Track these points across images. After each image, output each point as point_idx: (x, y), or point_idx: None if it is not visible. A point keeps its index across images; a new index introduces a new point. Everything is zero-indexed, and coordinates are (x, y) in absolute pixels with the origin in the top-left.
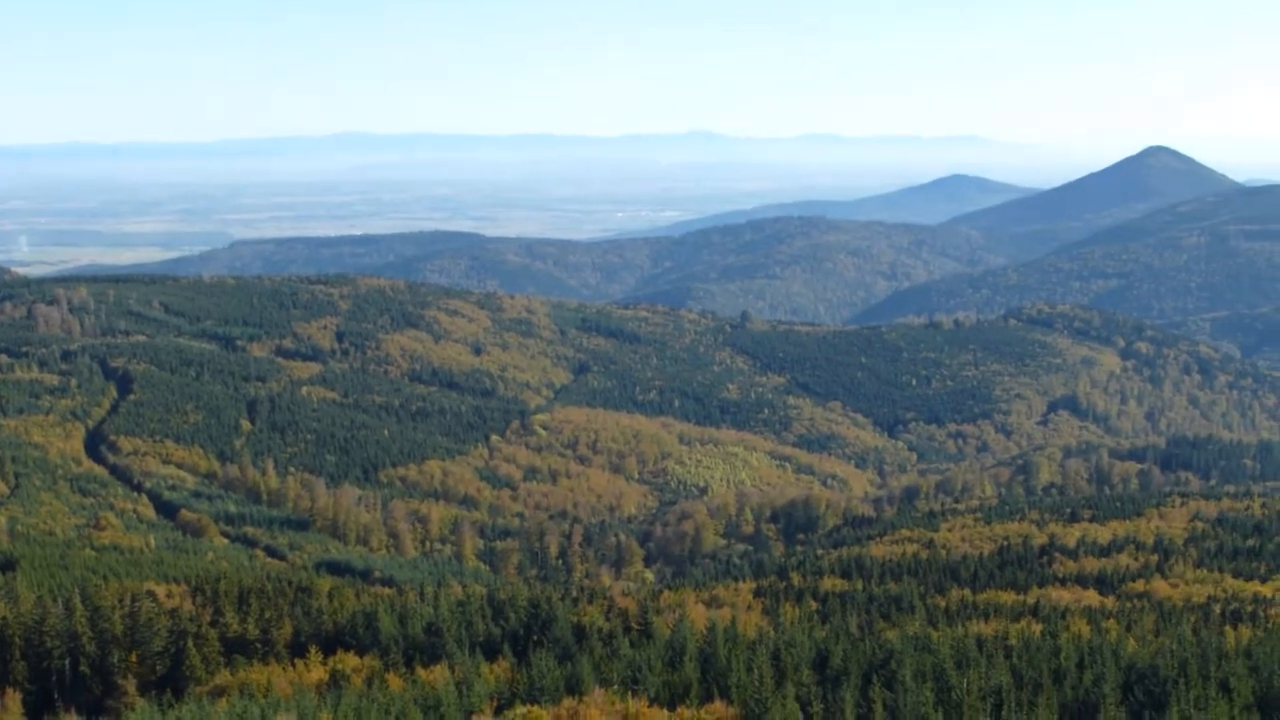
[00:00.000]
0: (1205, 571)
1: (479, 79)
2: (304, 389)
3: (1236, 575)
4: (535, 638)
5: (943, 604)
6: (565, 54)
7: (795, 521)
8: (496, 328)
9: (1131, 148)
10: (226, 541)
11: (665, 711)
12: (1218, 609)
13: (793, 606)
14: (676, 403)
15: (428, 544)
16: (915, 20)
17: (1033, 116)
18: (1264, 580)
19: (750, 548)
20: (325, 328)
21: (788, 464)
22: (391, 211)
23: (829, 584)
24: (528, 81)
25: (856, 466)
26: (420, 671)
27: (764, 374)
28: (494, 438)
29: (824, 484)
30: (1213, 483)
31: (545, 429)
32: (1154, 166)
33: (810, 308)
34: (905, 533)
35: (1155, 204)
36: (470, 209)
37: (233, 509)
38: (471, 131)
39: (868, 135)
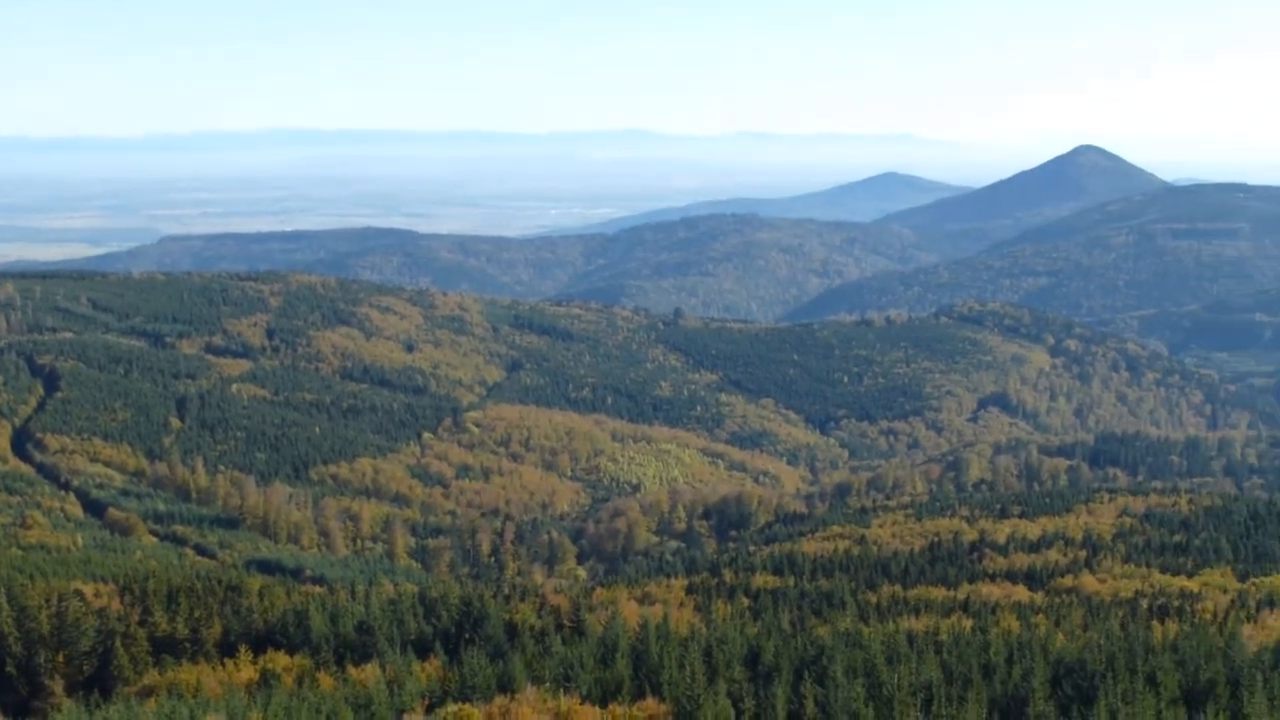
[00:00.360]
0: (1133, 567)
1: (413, 76)
2: (234, 386)
3: (1164, 570)
4: (467, 636)
5: (874, 600)
6: (499, 51)
7: (727, 518)
8: (429, 325)
9: (1061, 147)
10: (155, 540)
11: (597, 709)
12: (1145, 604)
13: (725, 603)
14: (610, 400)
15: (359, 542)
16: (849, 17)
17: (965, 115)
18: (1190, 575)
19: (683, 545)
20: (256, 325)
21: (720, 461)
22: (323, 208)
23: (761, 580)
24: (461, 79)
25: (789, 463)
26: (351, 670)
27: (697, 371)
28: (426, 435)
29: (756, 481)
30: (1140, 479)
31: (478, 426)
32: (1083, 165)
33: (743, 305)
34: (837, 529)
35: (1085, 203)
36: (403, 205)
37: (162, 507)
38: (405, 128)
39: (801, 133)
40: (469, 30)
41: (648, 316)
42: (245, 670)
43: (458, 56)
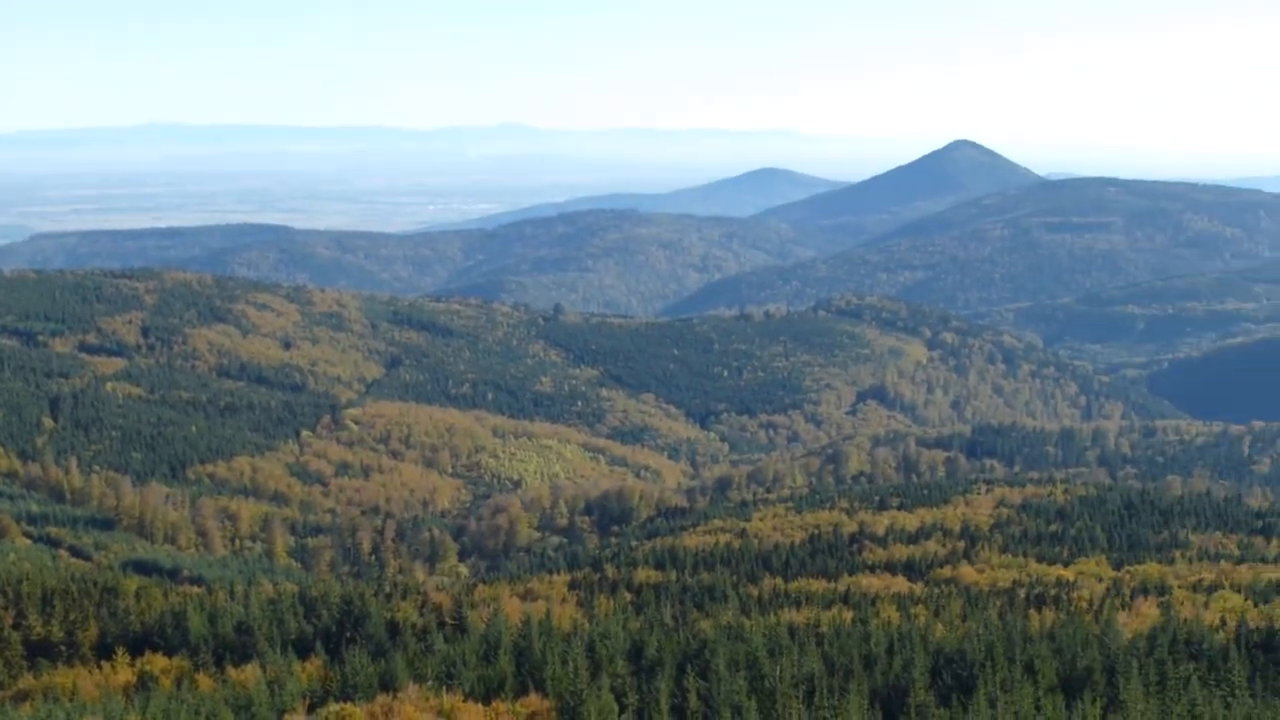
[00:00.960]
0: (1010, 557)
1: (291, 72)
2: (108, 385)
3: (1040, 560)
4: (348, 635)
5: (755, 593)
6: (377, 45)
7: (609, 513)
8: (306, 322)
9: (938, 142)
10: (29, 542)
11: (480, 706)
12: (1022, 593)
13: (607, 598)
14: (490, 396)
15: (237, 542)
16: (727, 16)
17: (844, 112)
18: (1066, 564)
19: (565, 540)
20: (130, 322)
21: (601, 456)
22: (198, 204)
23: (643, 575)
24: (338, 75)
25: (669, 458)
26: (231, 671)
27: (577, 366)
28: (305, 433)
29: (637, 475)
30: (1017, 469)
31: (357, 423)
32: (959, 160)
33: (623, 300)
34: (718, 523)
35: (960, 197)
36: (280, 202)
37: (35, 509)
38: (283, 124)
39: (681, 129)
40: (347, 24)
41: (528, 312)
42: (123, 673)
43: (335, 51)
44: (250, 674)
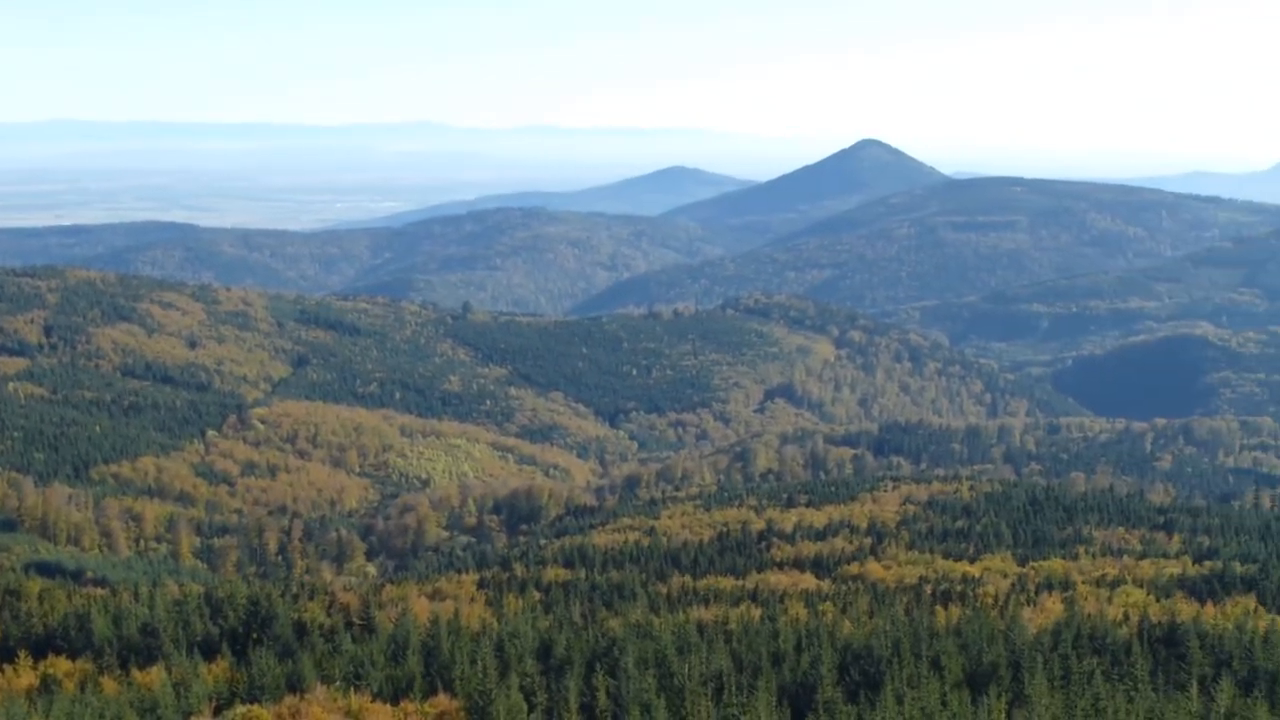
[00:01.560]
0: (917, 553)
1: (194, 68)
2: (10, 385)
3: (946, 556)
4: (255, 636)
5: (664, 591)
6: (282, 42)
7: (518, 512)
8: (212, 320)
9: (844, 141)
10: None
11: (389, 707)
12: (929, 589)
13: (516, 597)
14: (398, 395)
15: (142, 543)
16: (637, 14)
17: (751, 110)
18: (972, 560)
19: (473, 539)
20: (32, 321)
21: (510, 455)
22: (101, 201)
23: (552, 574)
24: (245, 70)
25: (579, 456)
26: (136, 674)
27: (486, 365)
28: (210, 433)
29: (546, 474)
30: (923, 467)
31: (263, 423)
32: (865, 159)
33: (532, 299)
34: (627, 521)
35: (867, 196)
36: (185, 199)
37: None
38: (188, 120)
39: (590, 127)
40: (251, 19)
41: (436, 311)
42: (25, 676)
43: (240, 47)
44: (155, 676)
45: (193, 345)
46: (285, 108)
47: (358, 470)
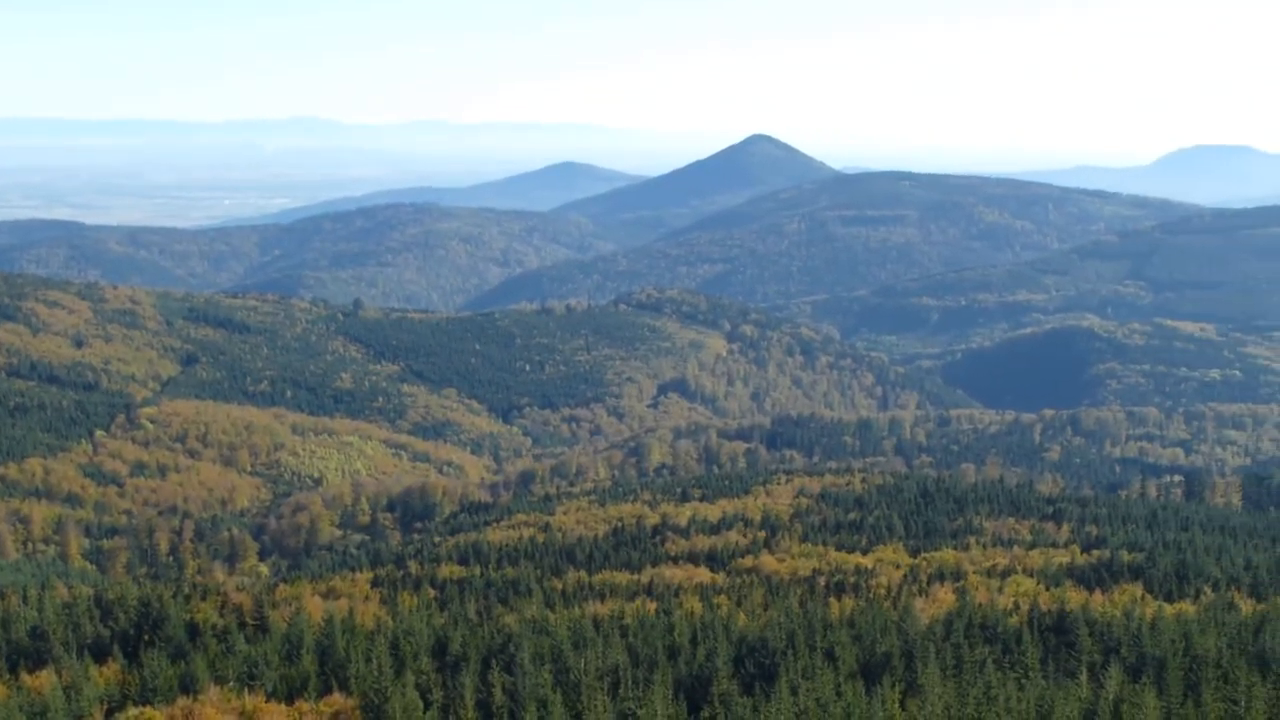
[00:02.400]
0: (810, 545)
1: (76, 63)
2: None
3: (839, 548)
4: (147, 637)
5: (559, 586)
6: (165, 37)
7: (412, 510)
8: (99, 319)
9: (734, 136)
10: None
11: (283, 706)
12: (822, 581)
13: (411, 595)
14: (289, 393)
15: (30, 545)
16: (528, 10)
17: (641, 105)
18: (865, 552)
19: (367, 538)
20: None
21: (403, 452)
22: None
23: (447, 571)
24: (127, 66)
25: (472, 453)
26: (25, 677)
27: (378, 362)
28: (98, 433)
29: (440, 471)
30: (816, 460)
31: (153, 423)
32: (756, 154)
33: (423, 295)
34: (521, 517)
35: (758, 190)
36: (68, 196)
37: None
38: (69, 116)
39: (480, 122)
40: (127, 14)
41: (327, 308)
42: None
43: (126, 42)
44: (45, 680)
45: (79, 344)
46: (164, 104)
47: (249, 469)
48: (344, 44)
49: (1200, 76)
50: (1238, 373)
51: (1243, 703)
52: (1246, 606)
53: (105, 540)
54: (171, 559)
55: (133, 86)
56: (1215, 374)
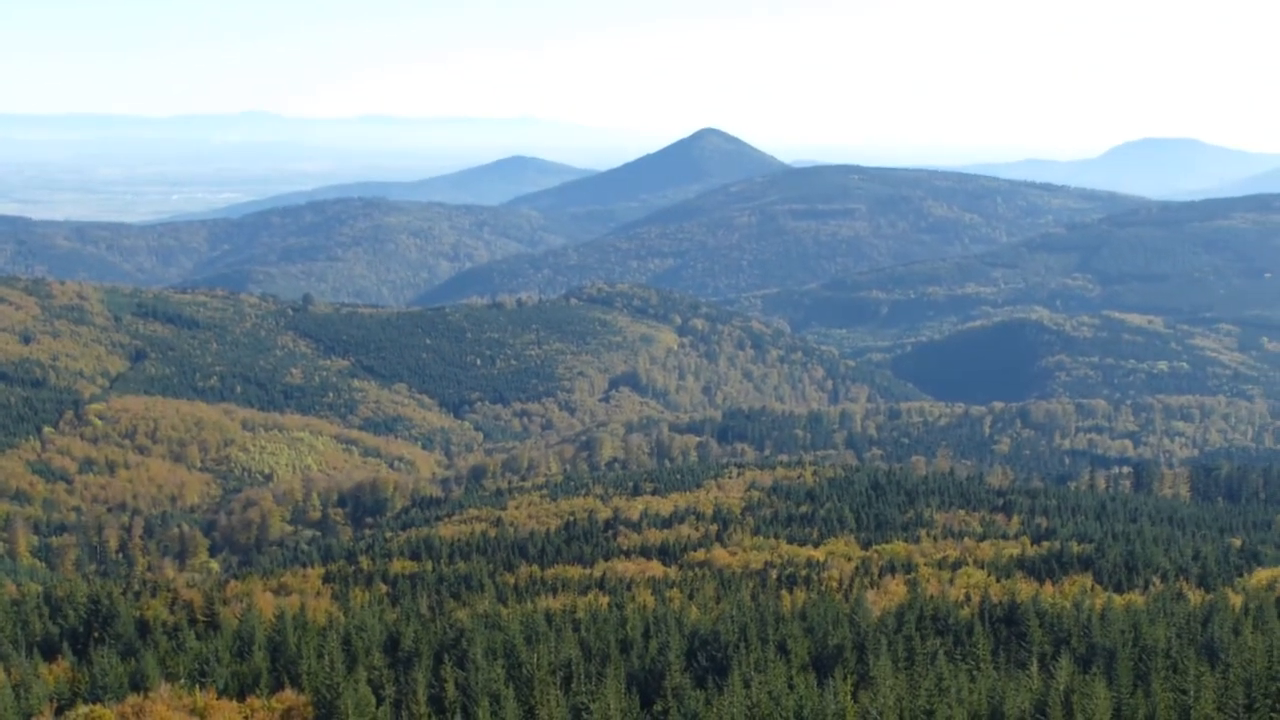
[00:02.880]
0: (762, 539)
1: (22, 58)
2: None
3: (791, 541)
4: (96, 635)
5: (512, 581)
6: (113, 31)
7: (363, 505)
8: (46, 315)
9: (684, 130)
10: None
11: (235, 703)
12: (774, 574)
13: (362, 590)
14: (238, 388)
15: None
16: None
17: (591, 99)
18: (816, 545)
19: (318, 533)
20: None
21: (354, 447)
22: None
23: (398, 566)
24: (74, 60)
25: (423, 448)
26: None
27: (328, 357)
28: (46, 429)
29: (391, 466)
30: (767, 453)
31: (101, 419)
32: (706, 148)
33: (373, 289)
34: (473, 512)
35: (708, 184)
36: (14, 191)
37: None
38: (14, 111)
39: (429, 116)
40: (82, 6)
41: (276, 303)
42: None
43: (72, 37)
44: None
45: (26, 340)
46: (110, 98)
47: (199, 465)
48: (291, 37)
49: (1148, 70)
50: (1185, 364)
51: (1192, 692)
52: (1195, 597)
53: (54, 537)
54: (121, 556)
55: (80, 82)
56: (1163, 366)
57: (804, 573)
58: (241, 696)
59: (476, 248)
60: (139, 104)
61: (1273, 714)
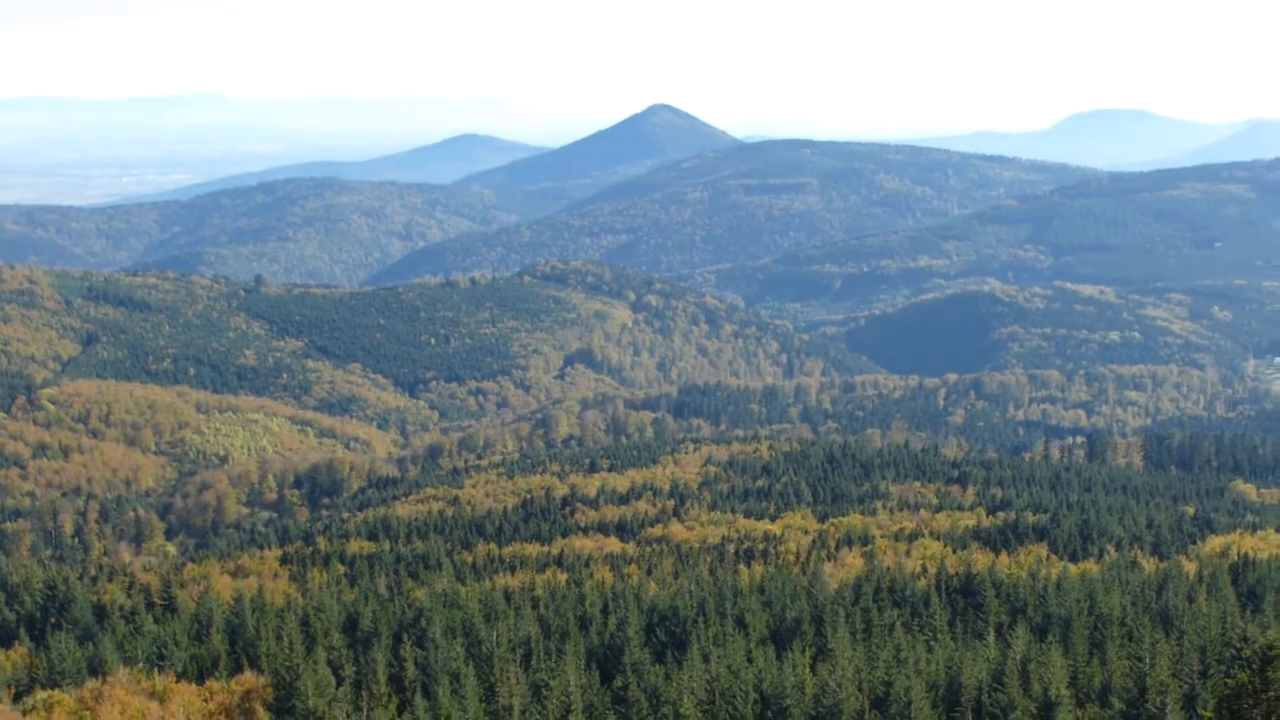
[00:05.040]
0: (719, 513)
1: None
2: None
3: (748, 515)
4: (53, 620)
5: (470, 559)
6: (60, 13)
7: (319, 486)
8: None
9: (636, 105)
10: None
11: (194, 686)
12: (731, 548)
13: (320, 571)
14: (192, 371)
15: None
16: None
17: (541, 78)
18: (773, 519)
19: (275, 515)
20: None
21: (309, 428)
22: None
23: (356, 546)
24: (20, 43)
25: (379, 428)
26: None
27: (281, 338)
28: None
29: (347, 447)
30: (723, 428)
31: (54, 403)
32: (657, 124)
33: (326, 270)
34: (430, 491)
35: (660, 160)
36: None
37: None
38: None
39: (383, 99)
40: None
41: (228, 284)
42: None
43: (21, 20)
44: None
45: None
46: (56, 81)
47: (153, 449)
48: (243, 18)
49: (1098, 41)
50: (1137, 334)
51: (1147, 660)
52: (1149, 565)
53: (8, 523)
54: (77, 540)
55: (26, 65)
56: (1115, 336)
57: (761, 547)
58: (200, 679)
59: (429, 226)
60: (90, 87)
61: (1227, 680)
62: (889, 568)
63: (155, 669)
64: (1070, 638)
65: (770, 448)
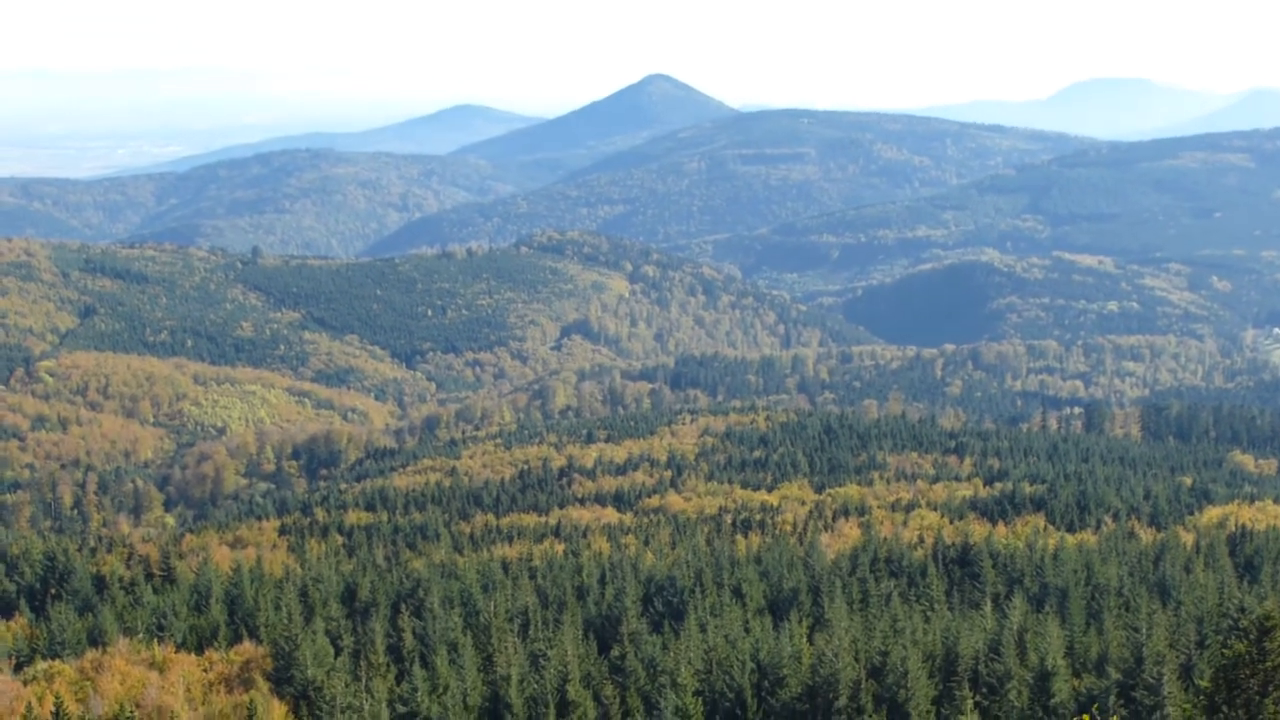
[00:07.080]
0: (716, 484)
1: None
2: None
3: (745, 486)
4: (53, 591)
5: (467, 530)
6: None
7: (317, 457)
8: None
9: (632, 75)
10: None
11: (193, 656)
12: (729, 519)
13: (319, 542)
14: (189, 343)
15: None
16: None
17: (541, 46)
18: (770, 489)
19: (273, 486)
20: None
21: (307, 400)
22: None
23: (354, 517)
24: (15, 14)
25: (376, 399)
26: None
27: (278, 310)
28: None
29: (344, 418)
30: (720, 398)
31: (52, 375)
32: (654, 94)
33: (322, 241)
34: (427, 462)
35: (657, 130)
36: None
37: None
38: None
39: (375, 68)
40: None
41: (225, 256)
42: None
43: None
44: None
45: None
46: (49, 52)
47: (151, 420)
48: None
49: (1098, 9)
50: (1135, 304)
51: (1144, 630)
52: (1146, 535)
53: (8, 495)
54: (76, 512)
55: (22, 36)
56: (1113, 306)
57: (758, 517)
58: (200, 649)
59: (425, 197)
60: (85, 59)
61: (1224, 650)
62: (886, 538)
63: (155, 639)
64: (1067, 608)
65: (767, 418)
